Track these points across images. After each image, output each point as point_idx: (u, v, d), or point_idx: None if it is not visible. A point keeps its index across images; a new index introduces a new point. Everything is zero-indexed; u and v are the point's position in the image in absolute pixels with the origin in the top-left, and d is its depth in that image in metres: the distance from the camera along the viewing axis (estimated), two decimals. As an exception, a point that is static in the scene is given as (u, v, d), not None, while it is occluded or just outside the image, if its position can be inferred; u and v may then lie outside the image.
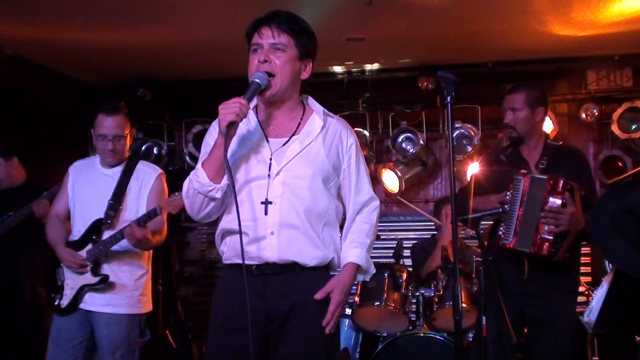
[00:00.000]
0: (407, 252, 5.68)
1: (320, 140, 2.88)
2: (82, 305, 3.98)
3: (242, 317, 2.70)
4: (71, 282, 4.01)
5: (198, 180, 2.76)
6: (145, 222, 3.86)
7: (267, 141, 2.86)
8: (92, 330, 4.01)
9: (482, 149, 6.39)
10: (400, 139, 6.61)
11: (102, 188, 4.05)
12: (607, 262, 5.15)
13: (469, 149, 6.43)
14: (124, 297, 4.00)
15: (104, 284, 3.95)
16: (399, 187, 6.70)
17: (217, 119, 2.80)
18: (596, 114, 6.37)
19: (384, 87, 6.78)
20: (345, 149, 2.93)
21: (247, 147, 2.86)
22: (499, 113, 4.59)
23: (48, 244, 4.12)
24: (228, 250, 2.88)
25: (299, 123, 2.90)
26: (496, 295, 3.81)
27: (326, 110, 2.96)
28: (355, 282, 3.00)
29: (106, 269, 3.99)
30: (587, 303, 4.96)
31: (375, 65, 6.58)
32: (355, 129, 6.55)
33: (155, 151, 7.02)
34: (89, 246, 4.00)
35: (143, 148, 7.02)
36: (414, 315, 5.10)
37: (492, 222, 4.28)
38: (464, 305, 4.68)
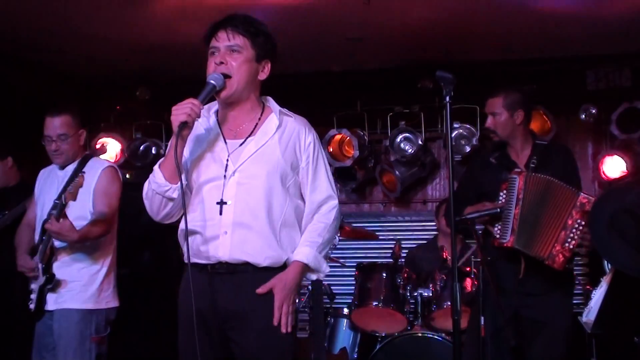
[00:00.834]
0: (405, 253, 5.68)
1: (276, 139, 2.89)
2: (46, 307, 3.96)
3: (198, 315, 2.75)
4: (34, 286, 4.00)
5: (155, 181, 2.82)
6: (58, 216, 3.79)
7: (225, 142, 2.90)
8: None
9: (480, 149, 6.38)
10: (398, 139, 6.60)
11: (54, 189, 4.03)
12: (605, 262, 5.14)
13: (468, 149, 6.42)
14: (75, 292, 3.93)
15: (53, 283, 3.91)
16: (398, 187, 6.69)
17: None
18: (595, 114, 6.36)
19: (382, 87, 6.77)
20: (303, 148, 2.94)
21: (204, 148, 2.91)
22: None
23: None
24: (186, 250, 2.90)
25: (256, 124, 2.92)
26: (493, 296, 3.81)
27: (283, 110, 2.99)
28: (306, 281, 2.99)
29: (55, 267, 3.95)
30: (585, 303, 4.96)
31: (374, 65, 6.56)
32: (353, 129, 6.56)
33: (153, 151, 7.01)
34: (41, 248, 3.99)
35: (141, 148, 7.01)
36: (412, 316, 5.09)
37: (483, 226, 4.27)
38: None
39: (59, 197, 3.94)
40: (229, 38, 2.85)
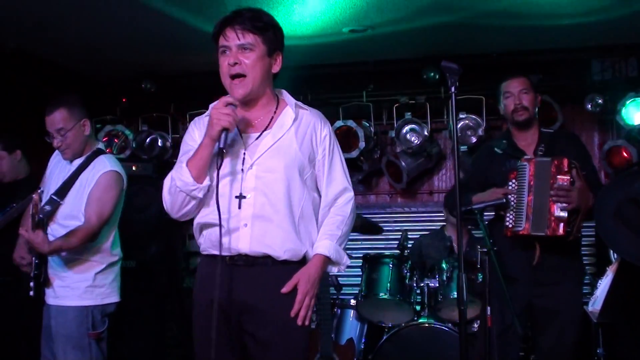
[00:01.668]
0: (411, 244, 5.69)
1: (292, 132, 2.91)
2: (47, 300, 3.96)
3: (214, 306, 2.76)
4: (32, 274, 3.96)
5: (181, 179, 2.82)
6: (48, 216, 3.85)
7: (241, 136, 2.90)
8: None
9: (486, 139, 6.37)
10: (404, 130, 6.59)
11: (60, 179, 4.01)
12: (611, 251, 5.14)
13: (474, 139, 6.41)
14: (70, 288, 3.91)
15: (43, 277, 3.88)
16: (404, 178, 6.69)
17: (194, 121, 3.01)
18: (601, 103, 6.34)
19: (388, 79, 6.77)
20: (319, 140, 2.96)
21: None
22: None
23: None
24: (205, 242, 2.92)
25: (272, 117, 2.93)
26: (501, 286, 3.82)
27: (299, 103, 3.00)
28: (333, 274, 3.03)
29: (50, 261, 3.93)
30: (592, 293, 4.96)
31: (379, 57, 6.56)
32: (359, 120, 6.56)
33: (159, 143, 7.02)
34: None
35: (147, 140, 7.02)
36: (419, 306, 5.10)
37: (493, 214, 4.27)
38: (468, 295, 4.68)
39: (57, 193, 3.94)
40: (239, 37, 2.83)
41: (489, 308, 3.85)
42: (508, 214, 4.03)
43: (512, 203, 4.01)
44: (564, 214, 3.88)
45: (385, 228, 6.00)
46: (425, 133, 6.51)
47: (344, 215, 2.97)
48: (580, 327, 4.15)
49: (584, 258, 4.39)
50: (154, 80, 6.82)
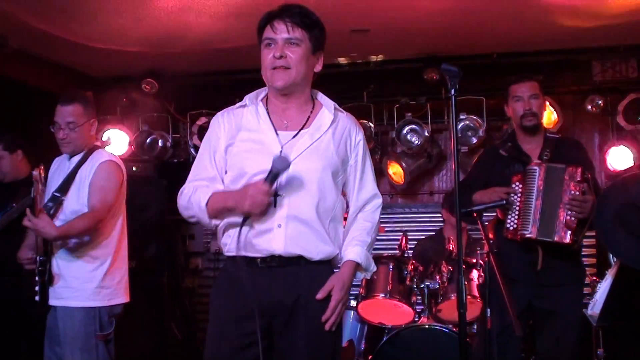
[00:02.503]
0: (412, 244, 5.68)
1: (330, 134, 2.88)
2: (50, 302, 3.95)
3: (244, 309, 2.73)
4: (37, 278, 3.96)
5: (197, 215, 2.85)
6: (51, 211, 3.83)
7: (277, 134, 2.84)
8: None
9: (487, 140, 6.38)
10: (405, 131, 6.60)
11: (60, 179, 4.02)
12: (611, 255, 5.14)
13: (474, 140, 6.41)
14: (76, 289, 3.90)
15: (47, 276, 3.88)
16: (404, 178, 6.69)
17: (221, 114, 2.91)
18: (601, 105, 6.34)
19: (388, 79, 6.77)
20: (353, 145, 2.94)
21: (253, 138, 2.85)
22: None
23: None
24: (231, 242, 2.84)
25: (309, 117, 2.90)
26: (500, 287, 3.82)
27: (337, 105, 2.97)
28: (357, 279, 3.02)
29: (54, 261, 3.93)
30: (591, 295, 4.96)
31: (380, 57, 6.56)
32: (360, 120, 6.56)
33: (160, 143, 7.03)
34: None
35: (148, 140, 7.02)
36: (419, 307, 5.10)
37: (495, 215, 4.27)
38: (468, 297, 4.69)
39: (59, 190, 3.96)
40: (289, 30, 2.79)
41: (488, 310, 3.85)
42: (509, 217, 4.03)
43: (516, 206, 4.00)
44: (573, 223, 3.89)
45: (385, 229, 6.00)
46: (426, 134, 6.51)
47: (372, 222, 2.98)
48: (581, 329, 4.15)
49: (584, 261, 4.39)
50: (154, 80, 6.82)
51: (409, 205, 7.09)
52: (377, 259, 5.17)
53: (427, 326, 4.93)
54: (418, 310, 5.07)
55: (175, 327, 6.52)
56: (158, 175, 7.02)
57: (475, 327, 4.94)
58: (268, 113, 2.89)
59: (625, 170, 6.07)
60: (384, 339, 4.95)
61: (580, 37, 5.94)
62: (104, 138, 6.63)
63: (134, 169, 6.33)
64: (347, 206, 3.02)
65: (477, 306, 4.70)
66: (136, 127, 7.08)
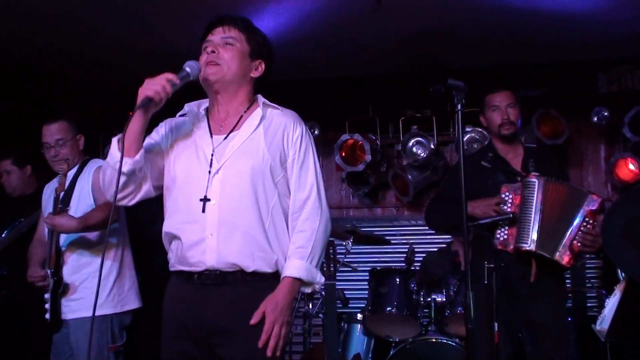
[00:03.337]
0: (418, 257, 5.67)
1: (261, 132, 2.77)
2: (62, 317, 3.98)
3: (184, 329, 2.71)
4: (47, 295, 3.99)
5: (110, 153, 2.71)
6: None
7: (211, 137, 2.80)
8: None
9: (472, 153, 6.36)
10: (410, 144, 6.58)
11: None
12: (619, 270, 5.13)
13: (480, 152, 6.40)
14: (86, 299, 3.91)
15: (62, 286, 3.93)
16: (411, 191, 6.69)
17: (166, 120, 2.91)
18: (607, 116, 6.33)
19: (394, 92, 6.77)
20: (291, 141, 2.79)
21: (190, 145, 2.82)
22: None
23: None
24: (173, 257, 2.79)
25: (241, 117, 2.82)
26: (505, 302, 3.82)
27: (269, 102, 2.86)
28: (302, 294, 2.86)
29: (64, 272, 3.98)
30: (598, 307, 4.94)
31: (385, 70, 6.57)
32: (365, 133, 6.57)
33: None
34: None
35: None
36: (426, 321, 5.09)
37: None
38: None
39: (61, 202, 4.00)
40: (224, 31, 2.80)
41: (496, 324, 3.83)
42: (499, 229, 4.02)
43: (520, 218, 4.00)
44: (578, 250, 3.90)
45: (392, 241, 5.99)
46: (432, 146, 6.50)
47: (312, 227, 2.75)
48: (569, 338, 4.17)
49: (590, 272, 4.42)
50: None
51: (415, 218, 7.06)
52: (384, 272, 5.20)
53: (434, 340, 4.91)
54: (425, 324, 5.06)
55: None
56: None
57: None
58: (207, 118, 2.86)
59: (632, 182, 6.05)
60: (391, 352, 4.94)
61: (585, 49, 5.94)
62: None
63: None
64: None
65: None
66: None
